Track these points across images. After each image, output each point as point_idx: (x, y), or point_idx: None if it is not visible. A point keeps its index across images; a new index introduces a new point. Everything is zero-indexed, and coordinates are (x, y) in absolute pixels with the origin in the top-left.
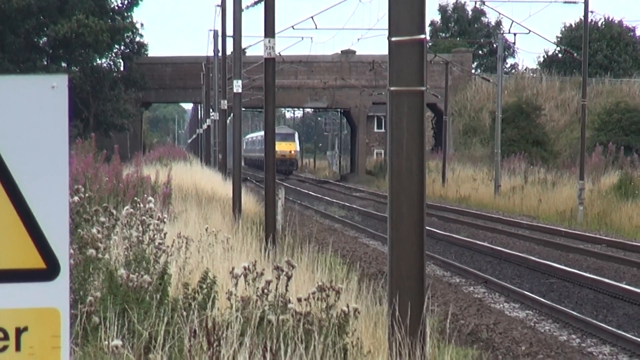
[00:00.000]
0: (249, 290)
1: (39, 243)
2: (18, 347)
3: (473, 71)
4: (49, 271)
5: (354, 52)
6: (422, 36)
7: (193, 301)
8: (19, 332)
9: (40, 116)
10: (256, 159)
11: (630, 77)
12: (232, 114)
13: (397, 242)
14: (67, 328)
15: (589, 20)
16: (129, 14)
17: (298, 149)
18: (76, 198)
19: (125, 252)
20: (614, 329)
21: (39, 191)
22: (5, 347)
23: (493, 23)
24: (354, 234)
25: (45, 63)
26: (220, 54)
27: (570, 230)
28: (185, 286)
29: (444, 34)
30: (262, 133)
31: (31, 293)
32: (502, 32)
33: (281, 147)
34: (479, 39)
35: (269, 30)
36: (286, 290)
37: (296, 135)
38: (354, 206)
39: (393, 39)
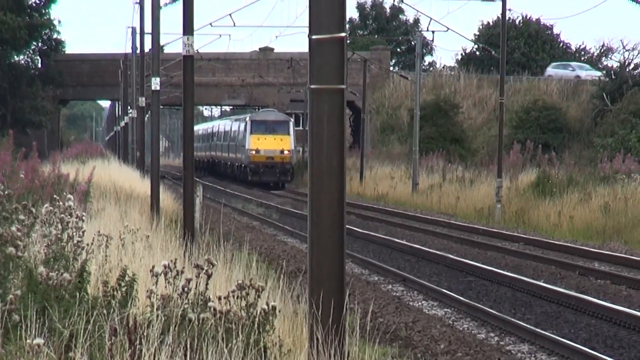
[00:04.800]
0: (169, 288)
1: None
2: None
3: (391, 69)
4: None
5: (272, 49)
6: (343, 34)
7: (112, 299)
8: None
9: None
10: (201, 160)
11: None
12: (150, 112)
13: (317, 240)
14: None
15: (507, 18)
16: (47, 10)
17: (293, 146)
18: None
19: (45, 250)
20: (532, 327)
21: None
22: None
23: (411, 21)
24: (272, 232)
25: None
26: (138, 51)
27: (488, 229)
28: (104, 284)
29: (362, 32)
30: (213, 123)
31: None
32: (420, 29)
33: (267, 143)
34: (397, 36)
35: (188, 28)
36: (206, 288)
37: (291, 124)
38: (272, 204)
39: (313, 37)
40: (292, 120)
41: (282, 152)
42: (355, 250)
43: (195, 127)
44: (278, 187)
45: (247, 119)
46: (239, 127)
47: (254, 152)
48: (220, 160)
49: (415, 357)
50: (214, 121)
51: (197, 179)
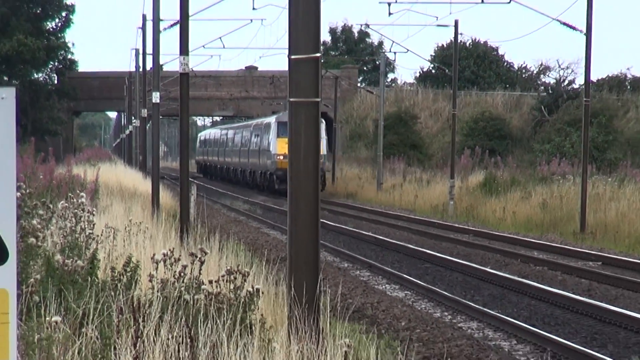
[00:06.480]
0: (167, 273)
1: None
2: None
3: (359, 85)
4: None
5: (257, 68)
6: (318, 54)
7: (119, 283)
8: None
9: None
10: (213, 165)
11: (494, 90)
12: (151, 121)
13: (296, 232)
14: (15, 306)
15: (459, 40)
16: (62, 34)
17: (325, 151)
18: (18, 194)
19: (61, 241)
20: (481, 307)
21: None
22: None
23: (376, 43)
24: (257, 225)
25: None
26: (141, 70)
27: (442, 222)
28: (112, 270)
29: (333, 52)
30: (225, 128)
31: None
32: (383, 51)
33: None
34: (364, 57)
35: (184, 49)
36: (199, 273)
37: (323, 126)
38: (256, 201)
39: (292, 57)
40: (323, 121)
41: None
42: (328, 241)
43: (207, 132)
44: None
45: (274, 120)
46: (262, 130)
47: (281, 157)
48: (236, 167)
49: (379, 332)
50: (226, 125)
51: (192, 180)
